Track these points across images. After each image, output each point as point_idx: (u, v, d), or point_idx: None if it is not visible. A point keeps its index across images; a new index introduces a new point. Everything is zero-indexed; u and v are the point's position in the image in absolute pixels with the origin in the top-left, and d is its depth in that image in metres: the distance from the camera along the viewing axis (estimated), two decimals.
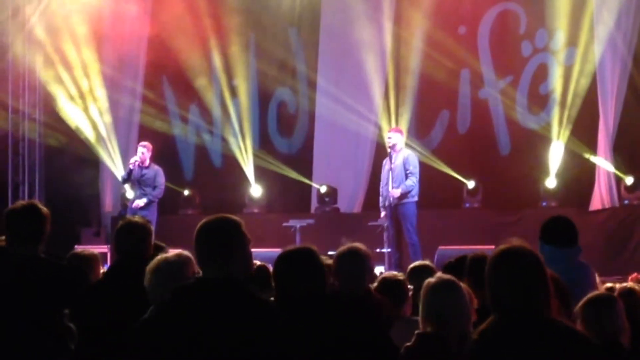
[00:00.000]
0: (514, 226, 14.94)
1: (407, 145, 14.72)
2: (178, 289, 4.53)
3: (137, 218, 6.47)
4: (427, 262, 7.54)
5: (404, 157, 14.05)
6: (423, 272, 6.85)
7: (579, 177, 15.80)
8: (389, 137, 14.17)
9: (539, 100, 16.35)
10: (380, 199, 14.25)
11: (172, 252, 5.50)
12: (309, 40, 17.63)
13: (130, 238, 6.10)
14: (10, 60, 17.62)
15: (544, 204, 15.72)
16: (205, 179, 18.11)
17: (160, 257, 5.36)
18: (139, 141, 16.21)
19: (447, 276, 5.45)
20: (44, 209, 5.99)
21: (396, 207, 13.92)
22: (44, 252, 6.03)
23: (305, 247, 5.49)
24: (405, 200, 13.92)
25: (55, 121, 17.77)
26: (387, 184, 13.98)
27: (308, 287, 5.29)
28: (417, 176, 13.98)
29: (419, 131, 16.92)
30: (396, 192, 13.81)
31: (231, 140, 17.76)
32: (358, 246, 6.06)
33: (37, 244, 5.95)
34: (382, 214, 14.17)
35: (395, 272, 7.14)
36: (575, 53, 15.88)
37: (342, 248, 6.07)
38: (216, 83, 17.99)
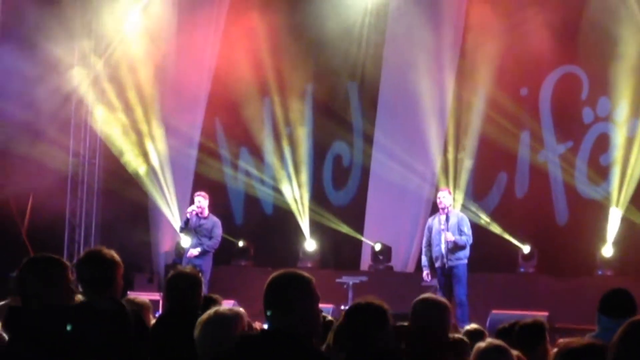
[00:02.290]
0: (569, 293, 14.78)
1: (463, 206, 14.64)
2: (243, 339, 4.59)
3: (188, 268, 6.48)
4: (478, 326, 7.45)
5: (459, 217, 14.02)
6: (475, 335, 6.77)
7: (637, 245, 15.57)
8: (443, 197, 14.09)
9: (599, 170, 16.15)
10: (424, 258, 14.19)
11: (224, 304, 5.47)
12: (368, 95, 17.65)
13: (180, 288, 6.11)
14: (73, 105, 17.86)
15: (600, 272, 15.50)
16: (256, 227, 18.11)
17: (212, 310, 5.33)
18: (195, 188, 16.30)
19: (497, 341, 5.37)
20: (111, 255, 5.92)
21: (449, 269, 13.85)
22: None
23: (377, 302, 5.45)
24: (458, 262, 13.85)
25: (114, 166, 17.94)
26: (438, 244, 13.90)
27: (382, 343, 5.24)
28: (471, 238, 13.93)
29: (476, 193, 16.81)
30: (450, 236, 13.73)
31: (285, 191, 17.77)
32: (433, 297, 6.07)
33: (104, 289, 5.90)
34: (425, 272, 14.10)
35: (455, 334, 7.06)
36: (638, 125, 15.73)
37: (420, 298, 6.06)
38: (271, 132, 18.05)
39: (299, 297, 4.58)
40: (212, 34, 18.15)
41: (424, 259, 14.21)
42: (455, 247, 13.82)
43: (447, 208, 13.94)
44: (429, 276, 14.10)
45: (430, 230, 14.18)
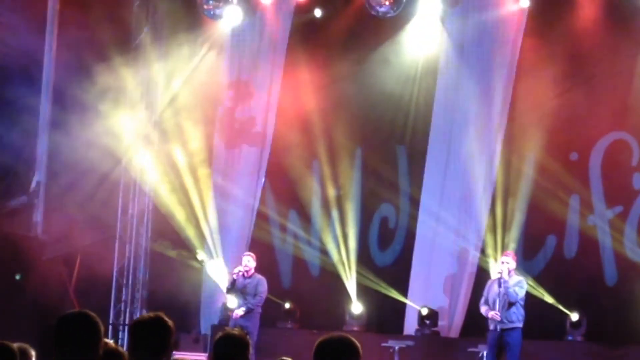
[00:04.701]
0: None
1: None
2: None
3: (236, 330, 6.44)
4: None
5: (517, 281, 13.96)
6: None
7: None
8: (507, 262, 14.02)
9: None
10: (484, 308, 14.04)
11: None
12: (416, 158, 17.65)
13: (228, 350, 6.07)
14: (124, 164, 18.04)
15: None
16: (304, 289, 18.05)
17: None
18: (244, 248, 16.38)
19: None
20: (170, 322, 5.92)
21: (502, 333, 13.74)
22: None
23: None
24: (512, 326, 13.75)
25: (163, 227, 18.03)
26: (493, 308, 13.82)
27: None
28: (523, 303, 13.82)
29: (525, 254, 16.67)
30: (497, 317, 13.63)
31: (331, 252, 17.74)
32: None
33: (160, 355, 5.90)
34: (491, 313, 13.92)
35: None
36: None
37: None
38: (319, 194, 18.08)
39: None
40: (267, 97, 18.28)
41: (484, 309, 14.06)
42: (509, 305, 13.73)
43: (511, 272, 13.91)
44: (497, 314, 13.87)
45: (488, 291, 14.13)
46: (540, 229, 16.64)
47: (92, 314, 5.48)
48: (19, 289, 16.12)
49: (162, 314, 5.81)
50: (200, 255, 17.74)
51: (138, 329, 5.84)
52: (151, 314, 5.89)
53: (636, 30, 16.14)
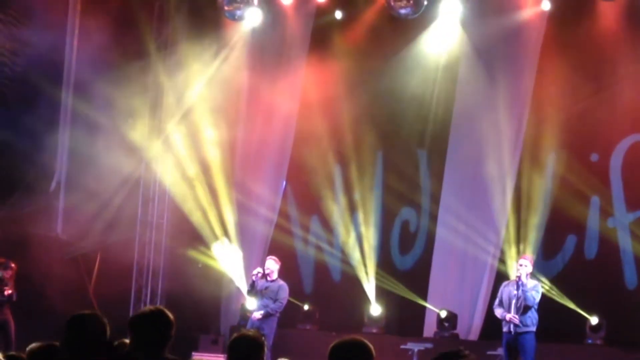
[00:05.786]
0: None
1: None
2: None
3: (251, 331, 6.47)
4: None
5: (533, 285, 13.91)
6: None
7: None
8: (525, 265, 13.96)
9: None
10: (499, 310, 14.00)
11: None
12: (436, 163, 17.64)
13: (242, 351, 6.10)
14: (144, 165, 18.10)
15: None
16: (325, 294, 18.09)
17: None
18: (267, 254, 16.38)
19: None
20: (170, 315, 5.99)
21: (516, 336, 13.69)
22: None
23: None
24: (526, 329, 13.69)
25: (183, 227, 18.06)
26: (509, 311, 13.78)
27: None
28: (537, 307, 13.80)
29: (545, 254, 16.63)
30: (516, 320, 13.62)
31: (352, 256, 17.74)
32: None
33: (161, 349, 5.96)
34: (507, 315, 13.87)
35: None
36: None
37: None
38: (341, 198, 18.10)
39: None
40: (288, 99, 18.29)
41: (500, 311, 14.01)
42: (525, 309, 13.69)
43: (528, 275, 13.87)
44: (515, 317, 13.81)
45: (502, 293, 14.09)
46: (561, 228, 16.58)
47: (100, 314, 5.57)
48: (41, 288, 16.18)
49: (162, 308, 5.85)
50: (201, 264, 17.80)
51: (138, 322, 5.86)
52: (152, 307, 5.95)
53: None
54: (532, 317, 13.82)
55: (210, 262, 17.85)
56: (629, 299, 16.01)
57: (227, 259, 17.51)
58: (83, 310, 5.89)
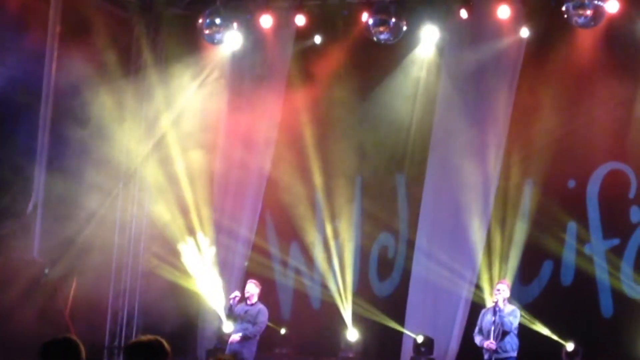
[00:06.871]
0: None
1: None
2: None
3: (228, 356, 6.45)
4: None
5: (511, 310, 13.91)
6: None
7: None
8: (502, 291, 13.98)
9: None
10: (478, 338, 14.00)
11: None
12: (414, 188, 17.64)
13: None
14: (120, 193, 18.03)
15: None
16: (303, 319, 18.03)
17: None
18: (241, 278, 16.33)
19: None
20: (167, 347, 5.81)
21: None
22: None
23: None
24: (506, 355, 13.71)
25: (160, 250, 17.98)
26: (488, 338, 13.77)
27: None
28: (517, 332, 13.77)
29: (521, 279, 16.64)
30: (492, 346, 13.61)
31: (331, 282, 17.70)
32: None
33: None
34: (485, 342, 13.85)
35: None
36: None
37: None
38: (320, 226, 18.05)
39: None
40: (267, 123, 18.24)
41: (479, 339, 14.01)
42: (503, 335, 13.69)
43: (505, 300, 13.88)
44: (492, 344, 13.80)
45: (482, 320, 14.09)
46: (538, 254, 16.61)
47: (75, 339, 5.56)
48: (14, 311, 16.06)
49: (160, 338, 5.73)
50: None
51: (134, 351, 5.77)
52: (150, 337, 5.76)
53: (635, 60, 16.16)
54: (512, 342, 13.82)
55: (188, 285, 17.78)
56: (605, 328, 16.02)
57: (204, 283, 17.44)
58: (59, 334, 5.84)
